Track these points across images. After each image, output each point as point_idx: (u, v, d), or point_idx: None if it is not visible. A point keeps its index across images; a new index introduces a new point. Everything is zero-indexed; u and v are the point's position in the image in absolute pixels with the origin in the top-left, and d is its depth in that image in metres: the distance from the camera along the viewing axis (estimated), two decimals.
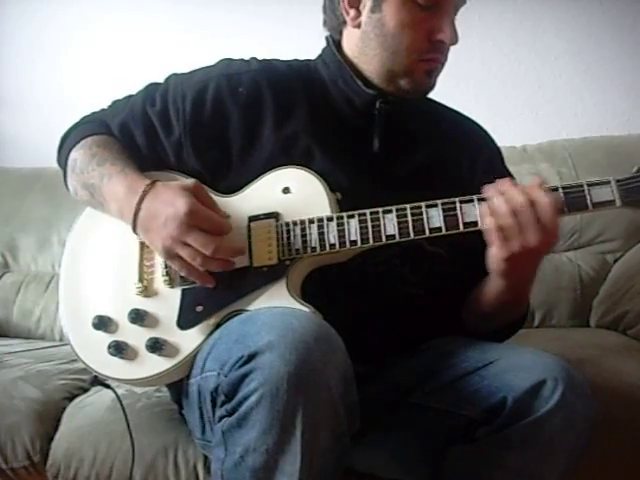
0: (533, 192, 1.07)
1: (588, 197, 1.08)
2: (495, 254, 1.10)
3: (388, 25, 1.20)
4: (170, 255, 1.14)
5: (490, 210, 1.08)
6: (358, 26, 1.24)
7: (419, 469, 1.18)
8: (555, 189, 1.09)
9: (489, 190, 1.10)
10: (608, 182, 1.08)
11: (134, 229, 1.18)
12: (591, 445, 1.08)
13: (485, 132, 1.39)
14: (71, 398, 1.52)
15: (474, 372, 1.13)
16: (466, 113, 1.41)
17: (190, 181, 1.18)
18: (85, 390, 1.56)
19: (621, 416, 1.30)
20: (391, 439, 1.21)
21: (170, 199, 1.14)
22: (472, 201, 1.11)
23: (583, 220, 1.95)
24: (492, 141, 1.40)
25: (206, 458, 1.29)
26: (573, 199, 1.08)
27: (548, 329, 1.90)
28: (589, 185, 1.08)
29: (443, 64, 1.24)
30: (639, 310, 1.75)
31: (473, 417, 1.10)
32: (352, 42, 1.26)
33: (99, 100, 1.41)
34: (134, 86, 1.36)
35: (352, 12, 1.24)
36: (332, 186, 1.20)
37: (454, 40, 1.20)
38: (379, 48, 1.22)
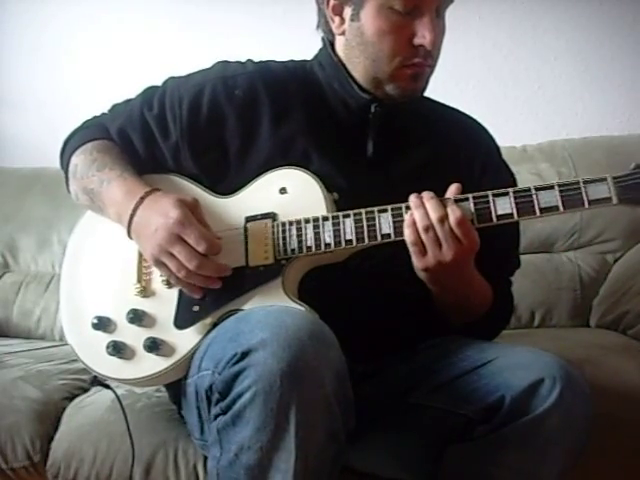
0: (447, 207, 1.09)
1: (584, 194, 1.07)
2: (414, 264, 1.13)
3: (367, 33, 1.19)
4: (157, 263, 1.16)
5: (410, 221, 1.10)
6: (343, 33, 1.24)
7: (418, 468, 1.18)
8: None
9: (411, 202, 1.12)
10: (604, 179, 1.07)
11: (128, 234, 1.20)
12: (590, 444, 1.08)
13: (483, 129, 1.39)
14: (71, 398, 1.52)
15: (472, 371, 1.13)
16: (466, 113, 1.40)
17: (189, 196, 1.19)
18: (85, 390, 1.56)
19: (621, 416, 1.30)
20: (390, 438, 1.21)
21: (164, 209, 1.15)
22: (467, 200, 1.11)
23: (583, 220, 1.95)
24: (490, 138, 1.39)
25: (206, 458, 1.29)
26: (569, 197, 1.08)
27: (548, 329, 1.90)
28: (585, 182, 1.08)
29: (432, 67, 1.21)
30: (639, 310, 1.75)
31: (471, 416, 1.10)
32: (340, 48, 1.27)
33: (100, 100, 1.41)
34: (134, 86, 1.36)
35: (337, 20, 1.24)
36: (329, 186, 1.20)
37: (436, 44, 1.17)
38: (361, 56, 1.21)
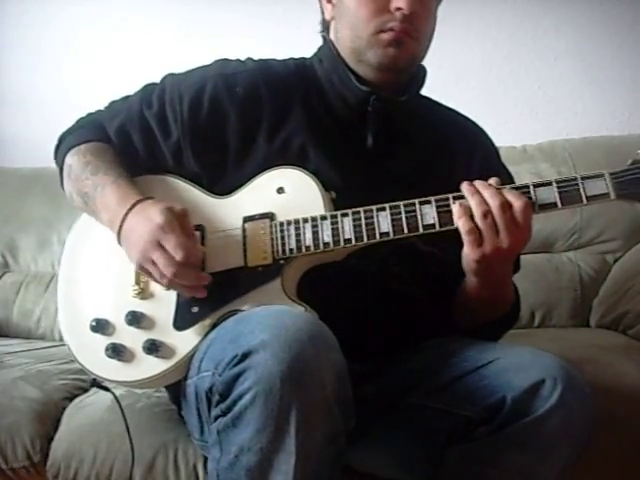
0: (506, 194, 1.08)
1: (582, 191, 1.08)
2: (467, 255, 1.11)
3: (347, 4, 1.21)
4: (141, 269, 1.15)
5: (463, 211, 1.09)
6: (333, 18, 1.27)
7: (419, 469, 1.18)
8: (526, 186, 1.09)
9: (464, 190, 1.11)
10: (602, 175, 1.07)
11: (118, 241, 1.19)
12: (591, 445, 1.08)
13: (481, 130, 1.39)
14: (71, 398, 1.52)
15: (473, 372, 1.12)
16: (466, 113, 1.40)
17: (179, 205, 1.17)
18: (85, 390, 1.56)
19: (621, 415, 1.30)
20: (391, 439, 1.21)
21: (150, 215, 1.14)
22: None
23: (583, 220, 1.95)
24: (488, 139, 1.39)
25: (206, 458, 1.29)
26: (567, 193, 1.08)
27: (548, 329, 1.90)
28: (583, 179, 1.08)
29: (415, 39, 1.20)
30: (639, 310, 1.75)
31: (472, 416, 1.09)
32: (332, 34, 1.28)
33: (100, 99, 1.40)
34: (135, 85, 1.36)
35: (329, 7, 1.27)
36: (326, 185, 1.20)
37: (415, 11, 1.17)
38: (344, 29, 1.23)
